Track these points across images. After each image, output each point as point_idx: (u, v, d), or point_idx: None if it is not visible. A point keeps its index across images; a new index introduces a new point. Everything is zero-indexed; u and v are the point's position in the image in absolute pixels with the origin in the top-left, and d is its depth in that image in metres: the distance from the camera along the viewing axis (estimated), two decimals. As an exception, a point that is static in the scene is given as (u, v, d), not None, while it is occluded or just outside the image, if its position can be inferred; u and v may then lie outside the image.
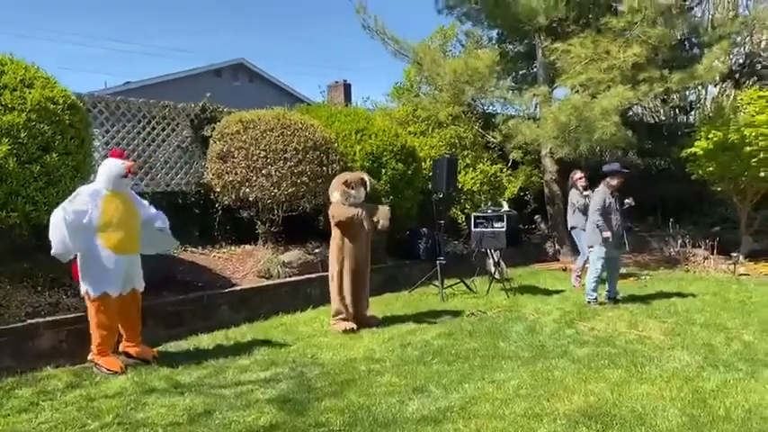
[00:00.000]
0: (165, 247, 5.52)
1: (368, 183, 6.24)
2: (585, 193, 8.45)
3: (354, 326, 6.02)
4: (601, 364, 4.90)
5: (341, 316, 6.08)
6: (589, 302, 7.17)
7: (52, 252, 4.65)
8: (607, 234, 6.99)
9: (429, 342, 5.60)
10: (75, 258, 4.77)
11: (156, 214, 5.23)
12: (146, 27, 60.39)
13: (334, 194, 6.15)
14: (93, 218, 4.68)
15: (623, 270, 7.56)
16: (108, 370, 4.70)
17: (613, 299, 7.30)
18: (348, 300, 6.08)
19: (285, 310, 6.81)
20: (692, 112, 14.52)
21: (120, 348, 5.11)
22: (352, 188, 6.08)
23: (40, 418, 3.85)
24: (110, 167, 4.86)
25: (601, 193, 7.24)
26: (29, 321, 4.96)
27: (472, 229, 8.00)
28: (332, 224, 6.14)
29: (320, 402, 4.09)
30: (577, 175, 8.77)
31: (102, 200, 4.76)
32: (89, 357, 4.83)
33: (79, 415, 3.90)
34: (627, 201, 7.29)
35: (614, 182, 7.17)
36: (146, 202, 5.27)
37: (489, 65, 10.29)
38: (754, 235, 11.05)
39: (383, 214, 6.18)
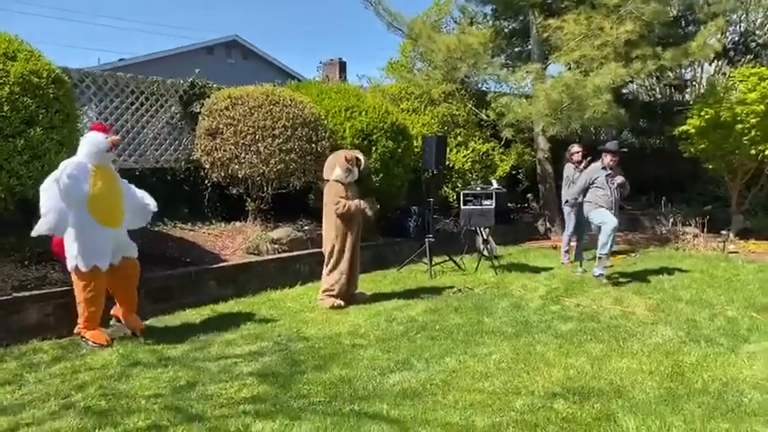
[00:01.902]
0: (140, 224, 5.43)
1: (362, 162, 6.24)
2: (580, 167, 8.44)
3: (342, 303, 6.04)
4: (583, 339, 4.95)
5: (331, 292, 6.08)
6: (604, 256, 7.05)
7: (42, 228, 4.65)
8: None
9: (414, 318, 5.64)
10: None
11: (141, 193, 5.25)
12: (144, 3, 59.62)
13: (336, 170, 6.07)
14: (83, 191, 4.65)
15: (614, 248, 7.56)
16: (95, 343, 4.73)
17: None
18: (344, 279, 6.08)
19: (273, 287, 6.83)
20: (688, 91, 14.44)
21: (112, 311, 5.13)
22: (352, 165, 6.08)
23: (23, 390, 3.88)
24: (93, 142, 4.80)
25: (590, 170, 7.25)
26: (15, 295, 4.98)
27: (461, 206, 8.00)
28: (328, 205, 6.10)
29: (303, 375, 4.13)
30: (574, 148, 8.73)
31: (90, 174, 4.72)
32: (75, 330, 4.85)
33: (63, 386, 3.93)
34: (616, 179, 7.22)
35: (607, 159, 7.17)
36: (125, 180, 5.25)
37: (483, 42, 10.21)
38: (744, 213, 11.08)
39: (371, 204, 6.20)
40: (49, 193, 4.61)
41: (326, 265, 6.16)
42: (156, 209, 5.31)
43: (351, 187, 6.15)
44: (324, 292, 6.13)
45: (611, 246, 7.16)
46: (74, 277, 4.78)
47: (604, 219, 7.07)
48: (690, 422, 3.39)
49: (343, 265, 6.09)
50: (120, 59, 22.30)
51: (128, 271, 5.03)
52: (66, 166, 4.65)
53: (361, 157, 6.23)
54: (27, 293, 5.06)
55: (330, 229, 6.11)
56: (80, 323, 4.82)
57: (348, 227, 6.08)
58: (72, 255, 4.72)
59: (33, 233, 4.73)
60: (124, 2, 60.06)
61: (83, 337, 4.80)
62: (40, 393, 3.82)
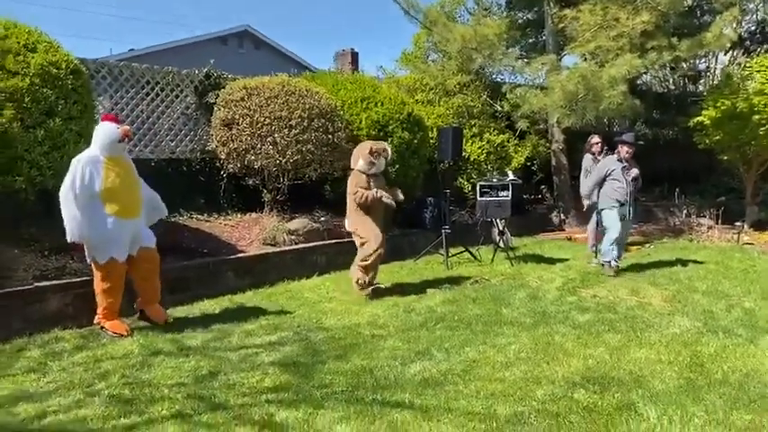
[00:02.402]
0: (152, 221, 5.46)
1: (388, 154, 6.27)
2: (599, 158, 8.40)
3: (371, 292, 6.07)
4: (601, 330, 4.94)
5: (365, 263, 6.00)
6: (603, 265, 7.16)
7: (75, 237, 4.65)
8: (587, 201, 7.21)
9: (433, 308, 5.65)
10: None
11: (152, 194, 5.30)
12: (150, -5, 59.61)
13: (359, 161, 6.12)
14: (96, 185, 4.67)
15: (627, 240, 7.57)
16: (114, 333, 4.78)
17: (616, 264, 7.30)
18: (379, 251, 6.00)
19: (290, 278, 6.87)
20: (702, 82, 14.31)
21: (136, 306, 5.17)
22: (377, 157, 6.09)
23: (47, 378, 3.93)
24: (105, 133, 4.77)
25: (606, 162, 7.22)
26: (36, 285, 5.03)
27: (478, 198, 7.99)
28: (349, 194, 6.13)
29: (324, 365, 4.15)
30: (594, 139, 8.64)
31: (103, 166, 4.72)
32: (95, 321, 4.91)
33: (86, 375, 3.98)
34: (631, 171, 7.16)
35: (623, 151, 7.12)
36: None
37: (498, 33, 10.17)
38: (759, 205, 10.99)
39: (394, 194, 6.22)
40: (68, 201, 4.62)
41: (360, 246, 6.12)
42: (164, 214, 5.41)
43: (377, 178, 6.18)
44: (356, 282, 6.08)
45: (618, 253, 7.18)
46: (93, 268, 4.84)
47: (611, 225, 7.10)
48: (711, 412, 3.39)
49: (376, 239, 5.99)
50: (131, 50, 22.34)
51: (145, 263, 5.06)
52: (79, 161, 4.66)
53: (388, 148, 6.28)
54: (48, 283, 5.12)
55: (354, 216, 6.15)
56: (99, 313, 4.87)
57: (370, 215, 6.11)
58: (89, 247, 4.77)
59: (68, 239, 4.73)
60: (134, -7, 60.01)
61: (102, 327, 4.85)
62: (65, 381, 3.88)
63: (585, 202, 8.08)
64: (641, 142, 7.19)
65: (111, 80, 7.45)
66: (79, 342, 4.70)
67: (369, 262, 5.99)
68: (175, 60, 10.20)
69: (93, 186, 4.66)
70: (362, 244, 6.07)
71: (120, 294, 4.93)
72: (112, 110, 7.44)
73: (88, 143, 5.64)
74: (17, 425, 3.29)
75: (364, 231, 6.05)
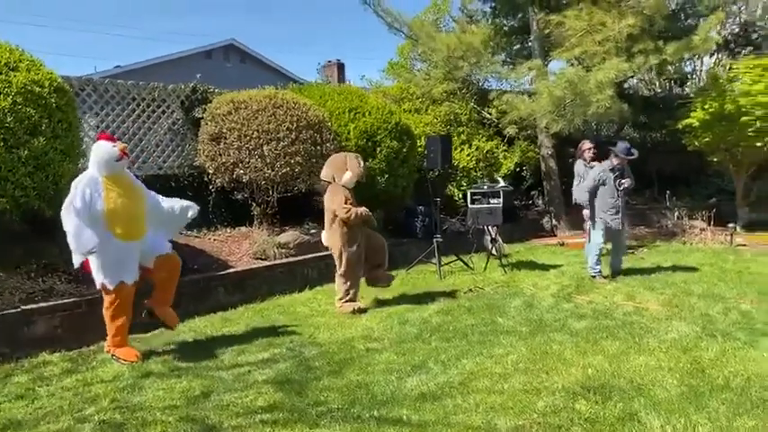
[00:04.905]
0: (173, 232, 5.33)
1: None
2: (591, 164, 8.39)
3: (362, 306, 5.97)
4: (599, 337, 4.90)
5: (347, 298, 5.96)
6: (594, 277, 7.15)
7: (82, 254, 4.43)
8: (587, 211, 7.19)
9: (427, 319, 5.58)
10: None
11: (171, 202, 5.09)
12: (133, 11, 59.55)
13: (347, 176, 5.91)
14: (98, 205, 4.47)
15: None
16: (125, 361, 4.59)
17: (618, 273, 7.27)
18: (356, 283, 5.98)
19: (282, 292, 6.78)
20: (688, 84, 14.40)
21: (146, 303, 4.92)
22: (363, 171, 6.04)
23: (36, 404, 3.82)
24: (102, 152, 4.58)
25: (598, 170, 7.17)
26: (23, 307, 4.91)
27: (469, 205, 7.95)
28: (330, 210, 5.96)
29: (319, 382, 4.07)
30: (586, 145, 8.63)
31: (103, 186, 4.53)
32: (105, 349, 4.73)
33: (75, 400, 3.87)
34: (623, 182, 7.13)
35: (616, 161, 7.07)
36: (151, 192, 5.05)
37: (484, 40, 10.19)
38: (750, 205, 11.02)
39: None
40: (70, 216, 4.43)
41: (338, 269, 6.03)
42: (194, 213, 5.17)
43: (352, 191, 6.06)
44: (340, 300, 5.99)
45: (616, 269, 7.29)
46: (103, 294, 4.65)
47: (595, 239, 7.15)
48: (715, 420, 3.34)
49: (355, 267, 5.97)
50: (116, 66, 22.23)
51: (163, 272, 4.85)
52: (78, 183, 4.50)
53: (360, 159, 6.14)
54: (35, 306, 4.99)
55: (336, 234, 5.95)
56: (108, 341, 4.69)
57: (353, 231, 5.98)
58: (97, 273, 4.58)
59: (75, 264, 4.56)
60: (115, 9, 59.95)
61: (113, 355, 4.66)
62: (54, 407, 3.77)
63: (586, 212, 8.04)
64: (634, 153, 7.06)
65: (96, 97, 7.36)
66: (68, 365, 4.58)
67: (350, 296, 5.94)
68: (161, 76, 10.13)
69: (95, 207, 4.45)
70: (342, 275, 5.97)
71: (129, 315, 4.74)
72: (98, 127, 7.35)
73: (73, 162, 5.57)
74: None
75: (344, 258, 5.91)
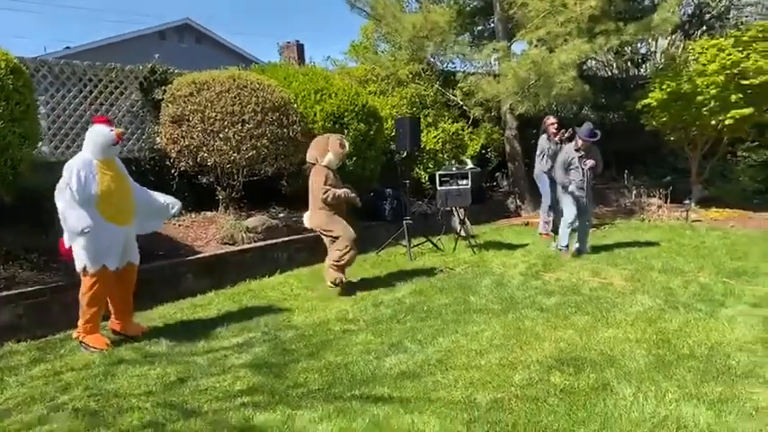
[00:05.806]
0: (155, 226, 5.26)
1: (347, 147, 6.18)
2: (555, 139, 8.55)
3: (344, 278, 5.94)
4: (568, 312, 5.03)
5: (339, 263, 5.87)
6: (560, 249, 7.30)
7: (76, 234, 4.32)
8: (572, 188, 7.21)
9: (401, 300, 5.62)
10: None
11: (155, 195, 5.02)
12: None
13: (328, 156, 5.90)
14: (92, 188, 4.42)
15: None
16: (94, 348, 4.50)
17: (583, 253, 7.44)
18: (352, 248, 5.89)
19: (252, 276, 6.70)
20: (644, 65, 14.71)
21: (109, 325, 4.86)
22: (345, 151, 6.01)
23: (6, 394, 3.73)
24: (99, 135, 4.53)
25: (564, 152, 7.36)
26: (-16, 297, 4.76)
27: (437, 187, 7.98)
28: (316, 190, 5.89)
29: (297, 364, 4.07)
30: (550, 120, 8.77)
31: (97, 170, 4.48)
32: (74, 336, 4.61)
33: (47, 389, 3.79)
34: (587, 162, 7.26)
35: (580, 143, 7.23)
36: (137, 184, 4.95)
37: (449, 20, 10.14)
38: (704, 183, 11.41)
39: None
40: (64, 197, 4.34)
41: (329, 248, 5.97)
42: (177, 210, 5.10)
43: (335, 173, 6.04)
44: (333, 262, 5.88)
45: (582, 246, 7.43)
46: (82, 277, 4.53)
47: (567, 212, 7.29)
48: (683, 386, 3.48)
49: (348, 234, 5.86)
50: (66, 48, 21.44)
51: (127, 277, 4.80)
52: (72, 166, 4.41)
53: (345, 142, 6.15)
54: (-3, 295, 4.84)
55: (317, 215, 5.93)
56: (79, 327, 4.56)
57: (336, 211, 5.97)
58: (80, 255, 4.48)
59: (67, 245, 4.47)
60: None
61: (82, 342, 4.56)
62: (24, 397, 3.69)
63: (545, 180, 8.29)
64: (597, 134, 7.20)
65: (51, 79, 7.09)
66: (36, 354, 4.47)
67: (344, 261, 5.88)
68: (113, 57, 9.71)
69: (89, 189, 4.40)
70: (334, 242, 5.92)
71: (104, 305, 4.67)
72: (54, 110, 7.09)
73: (33, 145, 5.37)
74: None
75: (336, 229, 5.88)
